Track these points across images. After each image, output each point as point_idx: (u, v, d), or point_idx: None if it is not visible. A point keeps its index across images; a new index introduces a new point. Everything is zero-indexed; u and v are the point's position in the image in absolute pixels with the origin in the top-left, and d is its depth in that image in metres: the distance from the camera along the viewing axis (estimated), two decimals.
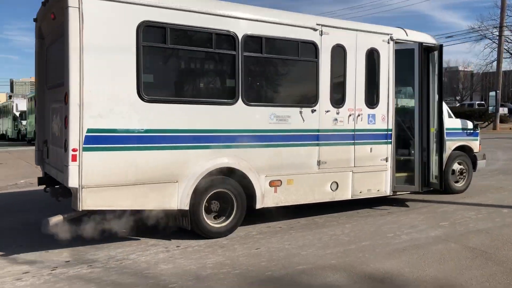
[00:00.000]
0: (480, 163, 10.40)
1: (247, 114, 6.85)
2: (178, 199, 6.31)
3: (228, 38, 6.69)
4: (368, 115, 7.98)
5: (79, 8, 5.62)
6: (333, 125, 7.59)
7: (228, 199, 6.79)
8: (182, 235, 6.70)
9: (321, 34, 7.43)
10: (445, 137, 9.41)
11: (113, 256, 5.91)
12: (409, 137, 8.73)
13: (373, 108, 8.04)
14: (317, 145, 7.45)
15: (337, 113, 7.63)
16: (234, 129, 6.75)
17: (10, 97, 52.11)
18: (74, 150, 5.66)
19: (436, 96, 8.62)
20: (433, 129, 8.58)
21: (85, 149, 5.71)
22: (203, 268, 5.47)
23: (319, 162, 7.48)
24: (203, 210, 6.57)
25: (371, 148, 8.02)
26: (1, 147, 25.96)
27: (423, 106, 8.40)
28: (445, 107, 9.62)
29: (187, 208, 6.37)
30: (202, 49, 6.68)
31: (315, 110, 7.39)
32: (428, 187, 8.59)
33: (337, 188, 7.68)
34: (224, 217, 6.80)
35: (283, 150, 7.17)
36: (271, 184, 7.08)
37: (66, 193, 6.72)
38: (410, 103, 8.94)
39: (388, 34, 8.21)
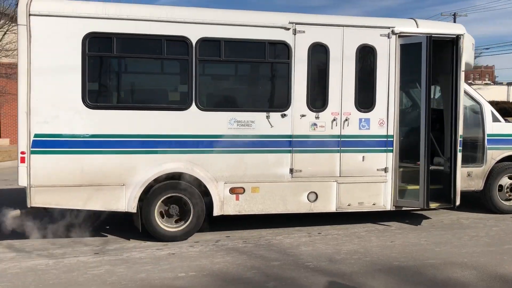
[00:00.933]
0: None
1: (202, 119, 6.74)
2: (125, 201, 6.53)
3: (180, 43, 6.66)
4: (360, 119, 7.22)
5: (26, 26, 6.19)
6: (310, 130, 7.05)
7: (188, 204, 6.82)
8: (324, 223, 7.61)
9: (294, 33, 6.94)
10: (486, 145, 8.16)
11: (263, 236, 7.08)
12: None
13: (366, 111, 7.24)
14: (290, 152, 7.00)
15: (317, 118, 7.06)
16: (188, 134, 6.72)
17: None
18: (22, 153, 6.24)
19: (460, 102, 7.41)
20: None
21: (32, 152, 6.26)
22: (337, 253, 6.26)
23: (291, 170, 7.03)
24: (156, 214, 6.68)
25: (363, 157, 7.26)
26: None
27: (428, 109, 7.32)
28: (489, 108, 8.29)
29: (134, 211, 6.54)
30: (151, 55, 6.77)
31: (285, 115, 6.94)
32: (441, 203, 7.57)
33: (316, 199, 7.12)
34: (183, 221, 6.86)
35: (246, 156, 6.90)
36: (232, 191, 6.88)
37: None
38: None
39: (388, 28, 7.28)
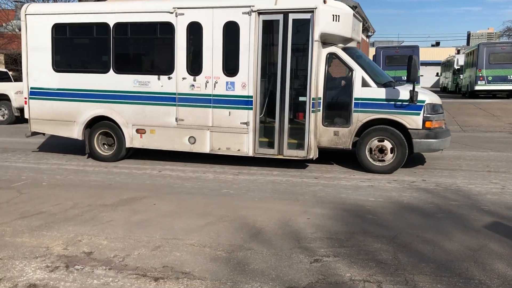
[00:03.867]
0: (422, 143, 8.65)
1: (117, 79, 9.61)
2: (76, 132, 10.00)
3: (104, 27, 9.60)
4: (227, 82, 9.01)
5: (25, 21, 10.16)
6: (190, 90, 9.21)
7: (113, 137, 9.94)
8: None
9: (176, 16, 9.15)
10: (353, 108, 8.81)
11: (456, 183, 8.02)
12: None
13: (232, 76, 8.97)
14: (175, 105, 9.33)
15: (194, 80, 9.16)
16: (108, 89, 9.69)
17: (458, 52, 53.42)
18: (25, 98, 10.35)
19: (315, 68, 8.55)
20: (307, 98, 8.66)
21: (30, 98, 10.27)
22: None
23: (177, 119, 9.36)
24: (96, 141, 10.01)
25: (229, 112, 9.06)
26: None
27: (283, 77, 8.73)
28: (360, 74, 8.75)
29: (81, 139, 9.98)
30: (87, 36, 9.94)
31: (171, 78, 9.26)
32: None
33: (194, 142, 9.34)
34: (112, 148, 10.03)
35: (145, 107, 9.52)
36: (137, 131, 9.66)
37: None
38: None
39: (248, 6, 8.73)
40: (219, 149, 9.26)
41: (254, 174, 8.79)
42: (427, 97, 8.85)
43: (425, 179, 8.36)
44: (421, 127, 8.62)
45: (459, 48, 64.12)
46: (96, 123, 9.97)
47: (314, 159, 8.94)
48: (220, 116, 9.13)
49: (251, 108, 8.94)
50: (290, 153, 8.95)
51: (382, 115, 8.77)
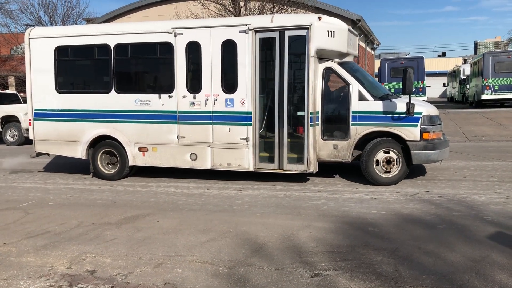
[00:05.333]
0: (421, 155, 8.68)
1: (118, 99, 9.77)
2: (80, 152, 10.13)
3: (104, 48, 9.77)
4: (226, 99, 9.14)
5: (28, 44, 10.32)
6: (190, 107, 9.32)
7: (117, 156, 10.03)
8: None
9: (175, 36, 9.29)
10: (351, 121, 8.90)
11: (460, 194, 7.99)
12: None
13: (231, 93, 9.10)
14: (176, 123, 9.43)
15: (194, 98, 9.29)
16: (110, 109, 9.83)
17: (465, 61, 52.95)
18: (30, 120, 10.47)
19: (312, 83, 8.69)
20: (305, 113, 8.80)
21: (34, 120, 10.40)
22: None
23: (178, 137, 9.46)
24: (99, 160, 10.12)
25: (229, 128, 9.17)
26: (442, 109, 28.65)
27: (281, 92, 8.90)
28: (356, 88, 8.89)
29: (85, 158, 10.13)
30: (89, 58, 10.22)
31: (171, 96, 9.39)
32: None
33: (196, 159, 9.43)
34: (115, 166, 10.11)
35: (147, 126, 9.63)
36: (140, 149, 9.77)
37: None
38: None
39: (245, 25, 8.92)
40: (220, 165, 9.34)
41: (257, 189, 8.84)
42: (424, 108, 8.89)
43: (428, 190, 8.39)
44: (419, 139, 8.66)
45: (465, 58, 63.84)
46: (99, 143, 10.09)
47: (314, 172, 9.02)
48: (221, 133, 9.23)
49: (251, 124, 9.05)
50: (290, 168, 9.04)
51: (380, 128, 8.84)
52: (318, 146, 9.05)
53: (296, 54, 9.04)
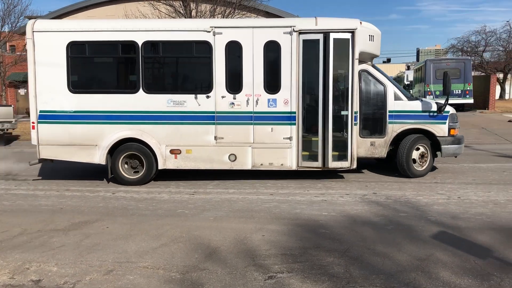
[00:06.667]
0: (449, 149, 9.65)
1: (147, 100, 9.09)
2: (98, 157, 9.21)
3: (131, 45, 9.11)
4: (268, 99, 8.85)
5: (32, 38, 9.17)
6: (229, 108, 8.93)
7: (142, 159, 9.29)
8: (466, 191, 8.48)
9: (214, 35, 8.92)
10: (388, 120, 9.47)
11: (405, 195, 8.19)
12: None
13: (274, 93, 8.81)
14: (213, 124, 9.00)
15: (234, 98, 8.91)
16: (137, 110, 9.12)
17: (408, 67, 55.38)
18: (32, 123, 9.25)
19: (356, 84, 8.96)
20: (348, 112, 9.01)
21: (39, 122, 9.23)
22: (464, 213, 6.98)
23: (215, 138, 9.04)
24: (121, 165, 9.27)
25: (272, 128, 8.88)
26: None
27: (326, 92, 8.89)
28: (392, 88, 9.56)
29: (104, 163, 9.23)
30: (111, 55, 9.44)
31: (209, 96, 8.97)
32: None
33: (235, 160, 9.02)
34: (140, 172, 9.34)
35: (180, 127, 9.10)
36: (172, 152, 9.18)
37: None
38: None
39: (290, 27, 8.74)
40: (261, 164, 9.06)
41: (210, 193, 8.54)
42: (450, 108, 9.75)
43: (376, 192, 8.51)
44: (447, 135, 9.63)
45: (409, 64, 67.18)
46: (119, 146, 9.36)
47: (355, 168, 9.31)
48: (262, 132, 8.96)
49: (294, 124, 8.97)
50: (335, 165, 9.14)
51: (415, 125, 9.62)
52: (357, 144, 9.24)
53: (339, 56, 8.93)
